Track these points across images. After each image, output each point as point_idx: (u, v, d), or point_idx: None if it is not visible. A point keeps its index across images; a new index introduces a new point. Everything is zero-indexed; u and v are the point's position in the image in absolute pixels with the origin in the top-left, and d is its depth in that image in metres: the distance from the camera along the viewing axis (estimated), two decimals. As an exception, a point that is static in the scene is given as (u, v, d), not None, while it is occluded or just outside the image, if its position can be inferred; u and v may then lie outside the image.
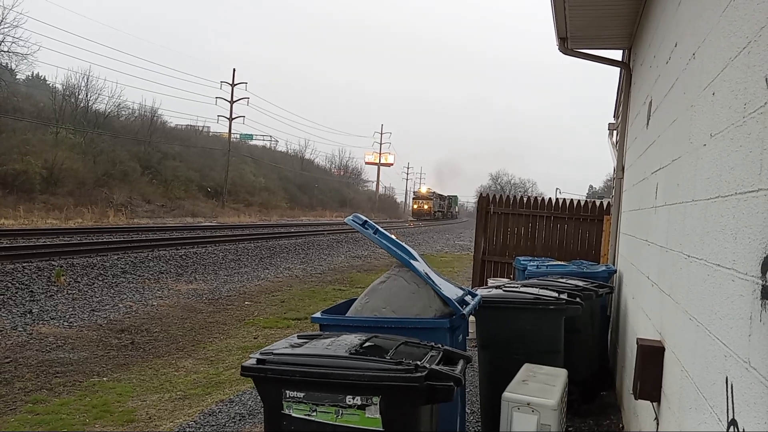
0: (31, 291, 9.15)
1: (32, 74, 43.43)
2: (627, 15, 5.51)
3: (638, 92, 5.49)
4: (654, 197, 3.53)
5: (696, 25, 2.52)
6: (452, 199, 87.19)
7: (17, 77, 37.48)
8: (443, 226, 51.43)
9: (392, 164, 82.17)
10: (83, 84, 36.51)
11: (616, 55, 7.03)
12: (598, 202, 9.50)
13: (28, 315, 7.89)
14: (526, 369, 3.45)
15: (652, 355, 2.72)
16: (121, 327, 7.66)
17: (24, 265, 10.39)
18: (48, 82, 42.79)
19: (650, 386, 2.70)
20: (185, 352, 6.71)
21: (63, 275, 10.09)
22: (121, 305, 9.00)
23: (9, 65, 31.65)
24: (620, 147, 6.81)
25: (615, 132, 8.77)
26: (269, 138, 66.26)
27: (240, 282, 12.13)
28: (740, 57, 1.72)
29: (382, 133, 77.97)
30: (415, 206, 66.35)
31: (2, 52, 28.62)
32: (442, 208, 75.34)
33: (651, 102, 4.15)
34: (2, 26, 27.58)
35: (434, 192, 72.42)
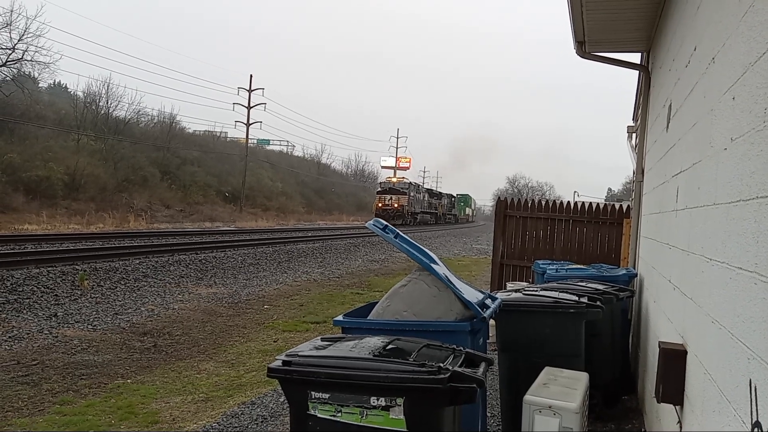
0: (56, 295, 9.34)
1: (54, 82, 44.31)
2: (645, 19, 5.50)
3: (657, 95, 5.47)
4: (675, 200, 3.53)
5: (715, 30, 2.53)
6: (461, 199, 75.44)
7: (40, 85, 38.28)
8: (461, 230, 51.00)
9: (408, 168, 78.68)
10: (104, 91, 37.22)
11: (635, 58, 7.01)
12: (617, 205, 9.44)
13: (54, 318, 8.06)
14: (547, 372, 3.46)
15: (674, 359, 2.72)
16: (143, 330, 7.79)
17: (49, 269, 10.60)
18: (70, 90, 43.71)
19: (673, 389, 2.71)
20: (207, 355, 6.80)
21: (86, 279, 10.28)
22: (143, 308, 9.14)
23: (32, 74, 32.35)
24: (639, 150, 6.78)
25: (634, 135, 8.72)
26: (286, 143, 66.78)
27: (259, 286, 12.24)
28: (760, 62, 1.74)
29: (398, 137, 77.47)
30: (380, 203, 44.16)
31: (26, 61, 29.25)
32: (434, 208, 55.28)
33: (671, 105, 4.15)
34: (26, 36, 28.21)
35: (413, 183, 49.93)
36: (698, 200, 2.70)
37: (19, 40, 28.00)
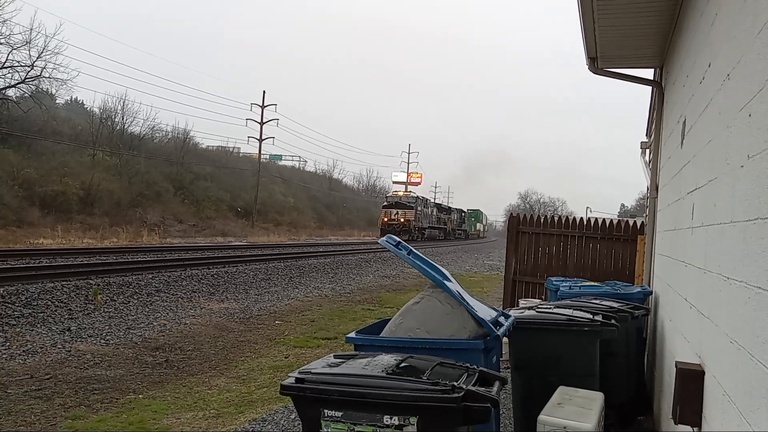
0: (70, 309, 9.41)
1: (71, 99, 45.13)
2: (657, 35, 5.50)
3: (671, 111, 5.45)
4: (690, 218, 3.49)
5: (730, 46, 2.52)
6: (472, 214, 73.81)
7: (57, 102, 38.98)
8: (472, 246, 50.80)
9: (420, 183, 78.30)
10: (119, 107, 37.84)
11: (647, 73, 7.00)
12: (631, 222, 9.37)
13: (67, 332, 8.11)
14: (562, 392, 3.41)
15: (691, 379, 2.67)
16: (155, 345, 7.81)
17: (63, 283, 10.69)
18: (86, 106, 44.47)
19: (691, 411, 2.65)
20: (218, 371, 6.80)
21: (100, 294, 10.35)
22: (155, 323, 9.17)
23: (50, 90, 32.93)
24: (653, 166, 6.74)
25: (648, 150, 8.68)
26: (298, 158, 67.14)
27: (270, 301, 12.25)
28: (778, 80, 1.72)
29: (409, 153, 77.72)
30: (386, 218, 43.04)
31: (44, 78, 29.80)
32: (443, 223, 54.26)
33: (685, 121, 4.12)
34: (44, 53, 28.78)
35: (421, 197, 47.99)
36: (715, 218, 2.67)
37: (37, 58, 28.60)
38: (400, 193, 47.70)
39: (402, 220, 42.01)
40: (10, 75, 28.60)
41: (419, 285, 16.16)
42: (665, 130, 5.97)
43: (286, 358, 7.49)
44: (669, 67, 5.77)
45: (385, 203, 45.59)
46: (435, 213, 51.30)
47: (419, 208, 44.60)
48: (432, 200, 54.34)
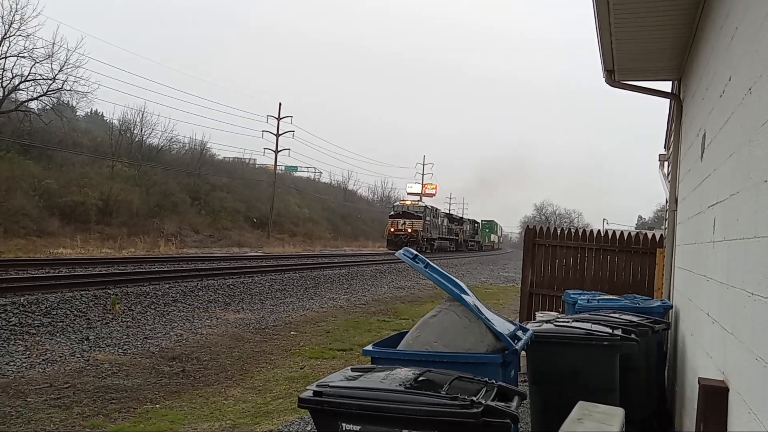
0: (88, 318, 9.51)
1: (91, 111, 45.89)
2: (675, 47, 5.47)
3: (690, 124, 5.40)
4: (712, 231, 3.45)
5: (752, 60, 2.51)
6: (486, 225, 72.13)
7: (77, 114, 39.71)
8: (487, 257, 50.48)
9: (434, 194, 78.11)
10: (138, 119, 38.39)
11: (665, 86, 6.95)
12: (650, 234, 9.27)
13: (86, 342, 8.19)
14: (581, 407, 3.37)
15: (715, 396, 2.63)
16: (172, 355, 7.86)
17: (82, 293, 10.81)
18: (106, 118, 45.18)
19: (714, 428, 2.61)
20: (234, 381, 6.82)
21: (118, 303, 10.45)
22: (172, 333, 9.24)
23: (70, 103, 33.57)
24: (672, 178, 6.67)
25: (666, 163, 8.60)
26: (313, 169, 67.51)
27: (285, 312, 12.28)
28: (802, 94, 1.71)
29: (424, 164, 77.73)
30: (392, 228, 40.93)
31: (65, 91, 30.39)
32: (454, 234, 52.07)
33: (705, 135, 4.09)
34: (66, 66, 29.37)
35: (430, 206, 45.53)
36: (737, 232, 2.64)
37: (59, 71, 29.20)
38: (408, 202, 45.38)
39: (409, 230, 40.04)
40: (32, 88, 29.29)
41: (434, 296, 16.10)
42: (684, 143, 5.92)
43: (301, 369, 7.50)
44: (687, 80, 5.73)
45: (392, 213, 43.22)
46: (445, 223, 49.45)
47: (428, 218, 42.54)
48: (442, 210, 52.00)
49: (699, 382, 2.81)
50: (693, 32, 4.95)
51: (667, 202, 7.59)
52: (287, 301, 13.93)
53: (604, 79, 6.32)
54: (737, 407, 2.45)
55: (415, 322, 3.46)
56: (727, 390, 2.63)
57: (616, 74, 6.23)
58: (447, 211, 56.25)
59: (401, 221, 40.63)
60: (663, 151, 9.89)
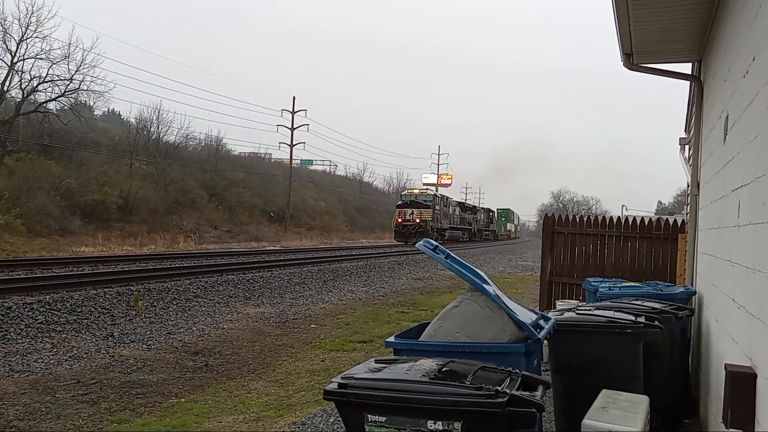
0: (112, 315, 9.66)
1: (108, 110, 46.56)
2: (695, 28, 5.36)
3: (711, 106, 5.30)
4: (737, 216, 3.39)
5: (777, 39, 2.45)
6: (502, 214, 70.77)
7: (95, 113, 40.24)
8: (505, 247, 50.22)
9: (450, 185, 77.05)
10: (154, 117, 38.78)
11: (685, 68, 6.83)
12: (671, 220, 9.15)
13: (110, 338, 8.33)
14: (605, 395, 3.35)
15: (742, 382, 2.59)
16: (195, 349, 7.96)
17: (105, 290, 10.99)
18: (123, 117, 45.79)
19: (742, 414, 2.57)
20: (256, 375, 6.89)
21: (140, 300, 10.60)
22: (194, 328, 9.35)
23: (88, 102, 33.99)
24: (694, 162, 6.57)
25: (687, 147, 8.46)
26: (329, 162, 67.62)
27: (305, 305, 12.36)
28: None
29: (439, 154, 77.36)
30: (399, 218, 38.17)
31: (82, 91, 30.77)
32: (467, 223, 49.74)
33: (728, 117, 4.01)
34: (83, 67, 29.71)
35: (440, 195, 42.73)
36: (764, 216, 2.59)
37: (76, 71, 29.56)
38: (416, 191, 42.22)
39: (418, 220, 37.22)
40: (50, 89, 29.68)
41: (453, 287, 16.08)
42: (706, 125, 5.81)
43: (322, 361, 7.54)
44: (708, 61, 5.62)
45: (399, 202, 40.37)
46: (458, 212, 46.82)
47: (438, 207, 39.42)
48: (454, 199, 49.14)
49: (726, 369, 2.77)
50: (714, 11, 4.85)
51: (688, 186, 7.47)
52: (306, 294, 14.02)
53: (622, 63, 6.23)
54: (765, 392, 2.41)
55: (434, 313, 3.46)
56: (755, 376, 2.60)
57: (634, 57, 6.13)
58: (459, 200, 54.18)
59: (409, 211, 38.00)
60: (683, 135, 9.73)
